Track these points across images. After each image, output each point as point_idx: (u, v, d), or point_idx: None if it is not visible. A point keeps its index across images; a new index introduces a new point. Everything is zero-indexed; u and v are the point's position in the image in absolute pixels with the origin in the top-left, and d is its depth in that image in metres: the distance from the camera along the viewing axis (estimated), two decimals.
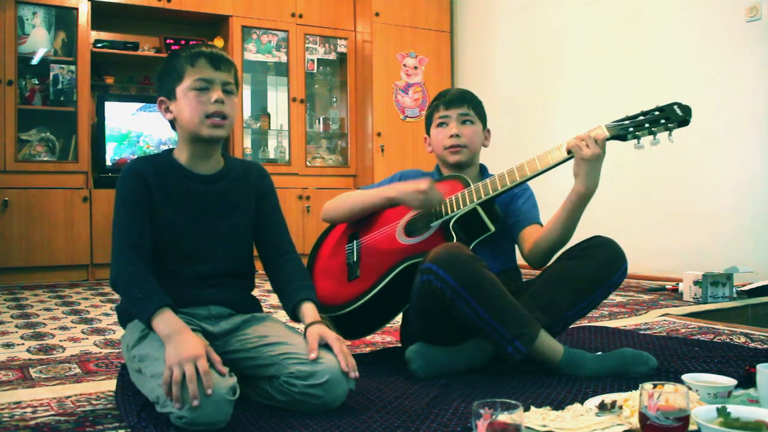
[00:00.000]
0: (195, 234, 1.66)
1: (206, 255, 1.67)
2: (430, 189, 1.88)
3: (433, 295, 1.73)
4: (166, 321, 1.46)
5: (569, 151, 1.80)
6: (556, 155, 1.83)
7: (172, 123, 1.70)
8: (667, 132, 1.77)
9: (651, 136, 1.78)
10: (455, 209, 1.89)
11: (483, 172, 2.15)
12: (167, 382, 1.35)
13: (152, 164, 1.67)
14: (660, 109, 1.79)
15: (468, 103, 2.10)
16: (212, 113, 1.62)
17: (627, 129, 1.79)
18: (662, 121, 1.77)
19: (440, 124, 2.10)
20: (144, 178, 1.64)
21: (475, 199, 1.88)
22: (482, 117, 2.13)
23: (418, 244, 1.90)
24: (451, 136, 2.06)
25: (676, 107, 1.78)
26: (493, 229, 1.89)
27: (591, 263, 1.82)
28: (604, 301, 3.21)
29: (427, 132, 2.17)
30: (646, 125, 1.78)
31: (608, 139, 1.79)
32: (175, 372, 1.34)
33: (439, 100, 2.12)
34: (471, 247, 1.88)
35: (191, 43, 4.98)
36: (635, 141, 1.79)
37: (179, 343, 1.39)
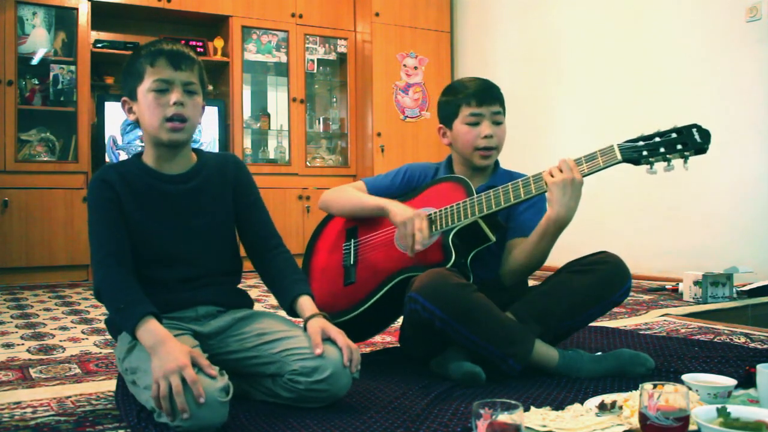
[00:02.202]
0: (170, 236, 1.62)
1: (186, 256, 1.63)
2: (409, 222, 1.79)
3: (421, 323, 1.73)
4: (150, 331, 1.43)
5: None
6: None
7: (137, 124, 1.65)
8: (683, 159, 1.64)
9: (665, 162, 1.66)
10: (456, 221, 1.82)
11: (495, 164, 2.04)
12: (155, 396, 1.33)
13: (118, 171, 1.63)
14: (678, 131, 1.66)
15: (499, 101, 1.98)
16: (171, 116, 1.56)
17: (641, 152, 1.67)
18: (679, 146, 1.64)
19: (472, 123, 1.95)
20: (111, 185, 1.60)
21: (477, 213, 1.80)
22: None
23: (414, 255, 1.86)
24: (485, 137, 1.94)
25: (695, 131, 1.64)
26: (494, 239, 1.84)
27: (593, 279, 1.78)
28: None
29: (445, 123, 2.02)
30: (662, 150, 1.65)
31: (619, 162, 1.67)
32: (161, 386, 1.32)
33: (466, 91, 1.96)
34: (470, 257, 1.84)
35: (191, 43, 4.98)
36: (648, 166, 1.68)
37: (163, 355, 1.37)
